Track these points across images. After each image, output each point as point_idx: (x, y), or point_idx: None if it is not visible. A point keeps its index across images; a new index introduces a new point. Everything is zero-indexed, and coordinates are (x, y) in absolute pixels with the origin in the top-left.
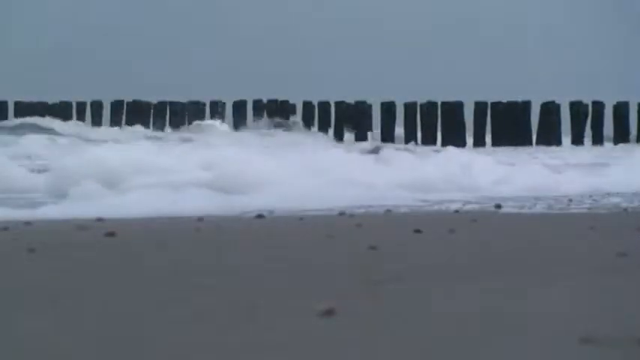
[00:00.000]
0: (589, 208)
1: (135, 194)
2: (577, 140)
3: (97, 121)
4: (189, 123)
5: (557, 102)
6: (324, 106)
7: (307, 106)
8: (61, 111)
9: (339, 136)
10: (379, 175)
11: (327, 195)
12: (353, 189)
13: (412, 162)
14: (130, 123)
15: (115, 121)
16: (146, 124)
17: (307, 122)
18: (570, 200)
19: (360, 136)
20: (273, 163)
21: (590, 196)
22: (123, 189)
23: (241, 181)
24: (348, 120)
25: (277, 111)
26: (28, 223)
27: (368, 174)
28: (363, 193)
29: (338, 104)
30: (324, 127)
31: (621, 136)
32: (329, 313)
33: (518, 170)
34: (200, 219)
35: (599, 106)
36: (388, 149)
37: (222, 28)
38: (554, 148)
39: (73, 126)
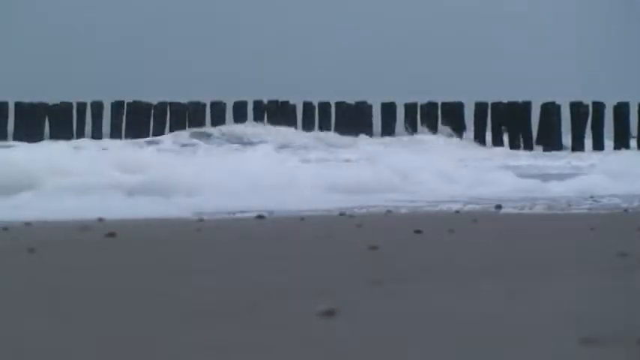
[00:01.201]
0: (589, 209)
1: (45, 196)
2: (577, 140)
3: (97, 122)
4: (190, 123)
5: (557, 103)
6: (324, 106)
7: (307, 106)
8: (62, 112)
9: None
10: (303, 177)
11: (246, 198)
12: (270, 192)
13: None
14: (130, 123)
15: (115, 121)
16: (146, 125)
17: (308, 123)
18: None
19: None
20: (194, 167)
21: (591, 197)
22: (35, 191)
23: (166, 183)
24: (349, 120)
25: (278, 112)
26: (28, 224)
27: (290, 176)
28: (280, 196)
29: (338, 105)
30: (326, 128)
31: (621, 136)
32: (329, 313)
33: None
34: (200, 220)
35: (599, 106)
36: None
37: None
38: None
39: None
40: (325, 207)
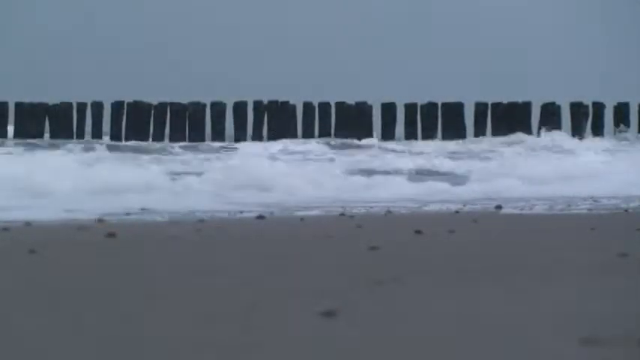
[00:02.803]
0: (589, 209)
1: None
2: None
3: (97, 122)
4: (190, 124)
5: (557, 103)
6: (324, 107)
7: (307, 106)
8: (62, 112)
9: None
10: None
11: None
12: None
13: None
14: (130, 124)
15: (115, 122)
16: (147, 125)
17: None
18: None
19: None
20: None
21: (592, 197)
22: None
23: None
24: (348, 121)
25: (278, 112)
26: (28, 224)
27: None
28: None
29: (338, 105)
30: (325, 128)
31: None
32: (329, 313)
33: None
34: (200, 220)
35: (599, 106)
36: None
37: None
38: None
39: None
40: None
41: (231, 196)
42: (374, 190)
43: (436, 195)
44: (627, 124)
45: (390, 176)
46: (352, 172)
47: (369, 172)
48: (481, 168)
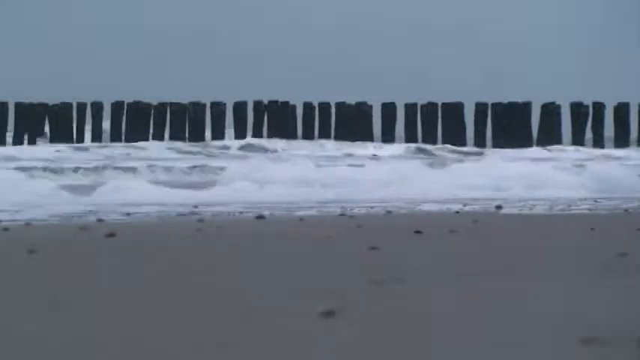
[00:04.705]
0: (589, 209)
1: None
2: (577, 141)
3: (97, 122)
4: (190, 123)
5: (557, 102)
6: (324, 106)
7: (307, 106)
8: (62, 112)
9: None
10: None
11: None
12: None
13: None
14: (129, 124)
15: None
16: (146, 125)
17: (308, 124)
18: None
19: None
20: None
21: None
22: None
23: None
24: (348, 121)
25: (278, 112)
26: (28, 224)
27: None
28: None
29: (338, 105)
30: (325, 129)
31: (622, 137)
32: (329, 313)
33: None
34: (201, 220)
35: (599, 106)
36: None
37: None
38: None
39: None
40: None
41: None
42: None
43: None
44: (627, 124)
45: None
46: None
47: None
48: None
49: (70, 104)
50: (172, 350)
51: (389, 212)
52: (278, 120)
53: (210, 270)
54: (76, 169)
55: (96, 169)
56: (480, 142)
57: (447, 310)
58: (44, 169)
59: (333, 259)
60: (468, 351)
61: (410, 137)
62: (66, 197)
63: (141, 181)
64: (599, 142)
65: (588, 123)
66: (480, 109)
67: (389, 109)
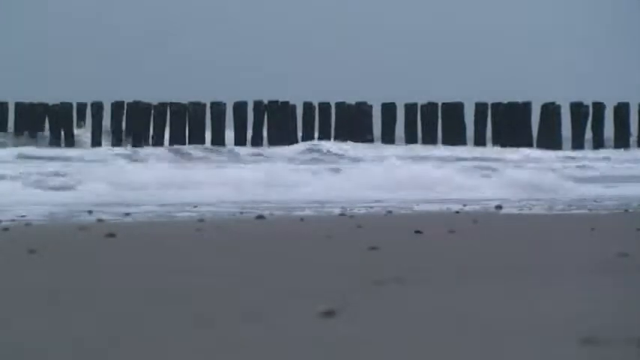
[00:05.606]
0: (590, 209)
1: None
2: (577, 141)
3: (97, 122)
4: (190, 125)
5: (557, 102)
6: (324, 106)
7: (307, 106)
8: (62, 112)
9: None
10: None
11: None
12: None
13: None
14: (129, 124)
15: (115, 122)
16: (146, 126)
17: (308, 123)
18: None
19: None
20: None
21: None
22: None
23: None
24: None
25: (278, 112)
26: (28, 224)
27: None
28: None
29: (339, 105)
30: (325, 129)
31: (622, 137)
32: (329, 313)
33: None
34: (201, 220)
35: (599, 106)
36: None
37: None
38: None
39: None
40: None
41: None
42: None
43: None
44: (627, 124)
45: None
46: None
47: None
48: None
49: (70, 104)
50: (172, 350)
51: (389, 212)
52: (278, 120)
53: (210, 270)
54: None
55: None
56: (480, 142)
57: (447, 310)
58: None
59: (333, 259)
60: (467, 351)
61: (410, 137)
62: None
63: None
64: (598, 142)
65: (588, 123)
66: (480, 109)
67: (389, 109)
